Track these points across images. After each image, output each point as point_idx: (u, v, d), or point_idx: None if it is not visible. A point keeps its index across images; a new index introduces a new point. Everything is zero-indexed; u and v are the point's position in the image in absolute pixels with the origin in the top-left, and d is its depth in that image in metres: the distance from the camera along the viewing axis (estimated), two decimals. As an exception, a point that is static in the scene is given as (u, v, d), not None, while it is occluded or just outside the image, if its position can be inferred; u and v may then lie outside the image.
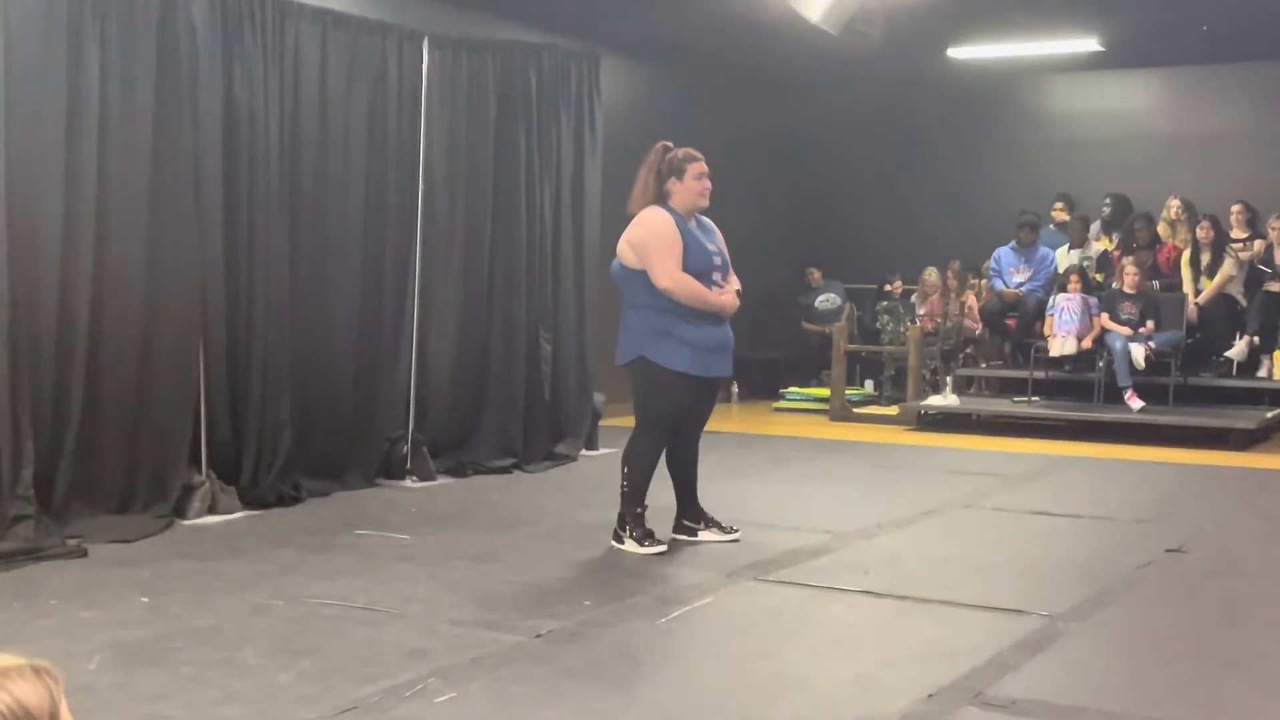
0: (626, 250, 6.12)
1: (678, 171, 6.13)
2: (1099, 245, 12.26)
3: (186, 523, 6.70)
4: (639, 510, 6.20)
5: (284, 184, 7.43)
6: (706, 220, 6.31)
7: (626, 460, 6.21)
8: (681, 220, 6.10)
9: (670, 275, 5.97)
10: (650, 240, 6.03)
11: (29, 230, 6.20)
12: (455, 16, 9.41)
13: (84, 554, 5.90)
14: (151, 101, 6.71)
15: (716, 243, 6.27)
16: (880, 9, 11.71)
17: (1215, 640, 4.90)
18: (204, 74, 6.93)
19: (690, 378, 6.09)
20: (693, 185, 6.12)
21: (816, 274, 13.82)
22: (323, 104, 7.66)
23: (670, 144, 6.25)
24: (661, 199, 6.14)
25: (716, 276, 6.15)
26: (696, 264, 6.06)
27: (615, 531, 6.24)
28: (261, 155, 7.27)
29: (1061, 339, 11.14)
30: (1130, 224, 12.06)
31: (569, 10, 10.25)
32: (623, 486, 6.20)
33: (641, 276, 6.05)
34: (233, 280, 7.15)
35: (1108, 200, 12.64)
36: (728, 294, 6.15)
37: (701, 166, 6.16)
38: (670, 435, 6.24)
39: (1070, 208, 12.82)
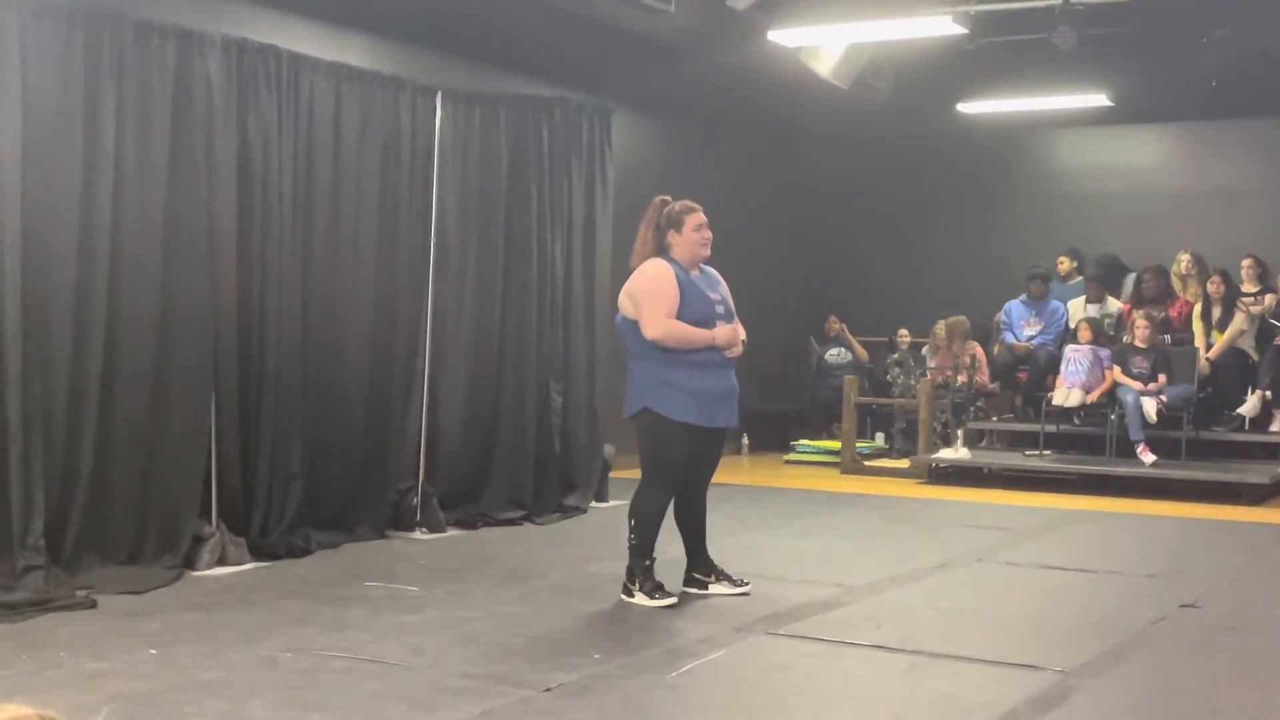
0: (626, 301, 6.15)
1: (676, 224, 6.16)
2: (1115, 304, 12.23)
3: (196, 574, 6.69)
4: (647, 563, 6.17)
5: (297, 236, 7.47)
6: (710, 270, 6.32)
7: (633, 513, 6.19)
8: (683, 270, 6.12)
9: (656, 324, 5.98)
10: (644, 290, 6.05)
11: (43, 279, 6.24)
12: (468, 71, 9.49)
13: (93, 605, 5.89)
14: (167, 153, 6.77)
15: (720, 291, 6.28)
16: (890, 64, 11.80)
17: (1230, 697, 4.85)
18: (219, 126, 6.99)
19: (695, 428, 6.08)
20: (692, 236, 6.15)
21: (836, 323, 13.84)
22: (336, 157, 7.71)
23: (668, 198, 6.28)
24: (662, 252, 6.17)
25: (720, 325, 6.16)
26: (697, 312, 6.07)
27: (624, 584, 6.22)
28: (275, 207, 7.32)
29: (1067, 389, 11.11)
30: (1140, 276, 12.07)
31: (581, 65, 10.32)
32: (630, 539, 6.18)
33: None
34: (245, 332, 7.18)
35: (1096, 261, 12.66)
36: (722, 329, 6.10)
37: (699, 218, 6.18)
38: (677, 487, 6.22)
39: (1077, 261, 12.81)
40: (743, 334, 6.23)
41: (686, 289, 6.07)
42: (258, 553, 7.07)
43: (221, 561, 6.88)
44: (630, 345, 6.18)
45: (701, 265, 6.25)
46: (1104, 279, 12.41)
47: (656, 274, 6.08)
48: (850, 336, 13.80)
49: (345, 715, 4.33)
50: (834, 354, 13.71)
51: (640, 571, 6.15)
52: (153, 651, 5.11)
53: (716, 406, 6.13)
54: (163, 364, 6.77)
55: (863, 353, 13.75)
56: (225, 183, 7.04)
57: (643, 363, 6.11)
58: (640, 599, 6.11)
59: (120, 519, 6.60)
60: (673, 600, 6.11)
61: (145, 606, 5.93)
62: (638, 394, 6.13)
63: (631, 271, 6.22)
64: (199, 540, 6.84)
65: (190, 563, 6.76)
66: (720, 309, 6.19)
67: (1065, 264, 12.79)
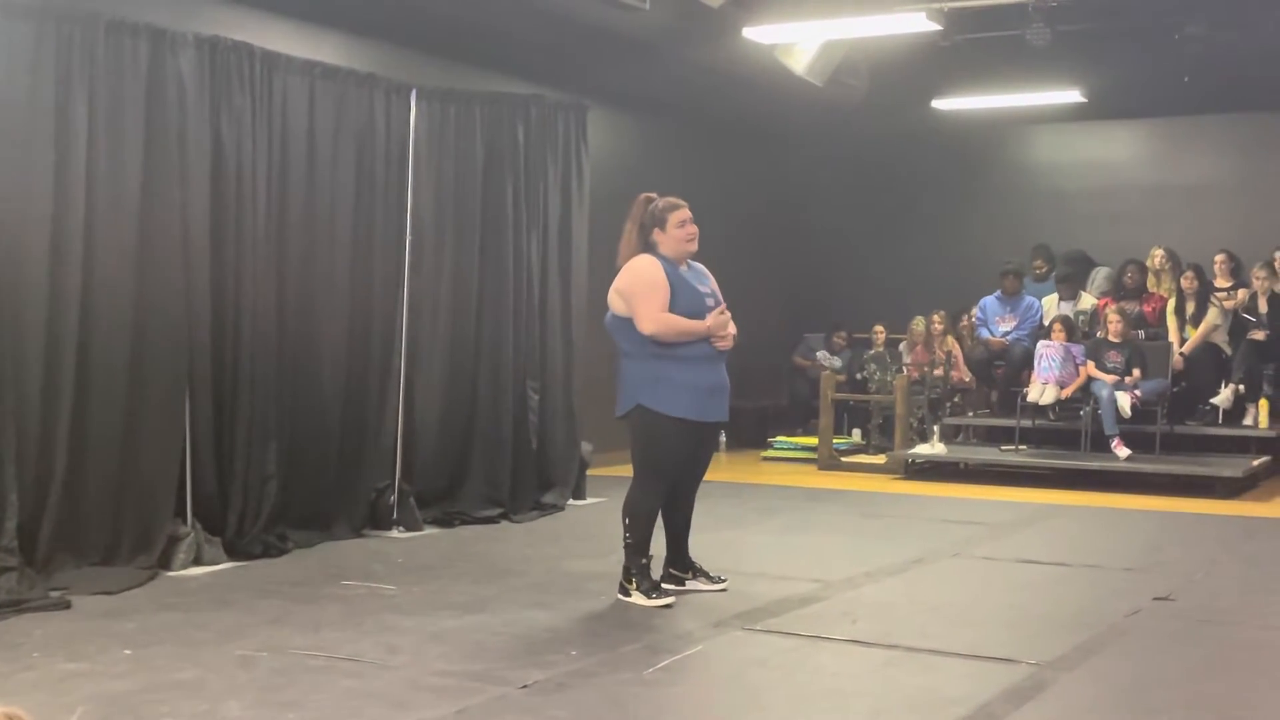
0: (616, 299, 6.13)
1: (660, 222, 6.15)
2: (1088, 300, 12.28)
3: (171, 574, 6.67)
4: (644, 561, 6.14)
5: (271, 235, 7.45)
6: (698, 265, 6.32)
7: (627, 512, 6.16)
8: (671, 266, 6.12)
9: (651, 319, 5.98)
10: (634, 286, 6.05)
11: (14, 279, 6.22)
12: (443, 69, 9.47)
13: (68, 606, 5.86)
14: (139, 152, 6.74)
15: (709, 285, 6.28)
16: (864, 61, 11.84)
17: (1204, 689, 4.88)
18: (192, 125, 6.97)
19: (688, 423, 6.06)
20: (676, 234, 6.15)
21: (843, 338, 13.83)
22: (310, 155, 7.69)
23: (653, 195, 6.27)
24: (648, 249, 6.17)
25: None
26: (688, 306, 6.06)
27: (621, 584, 6.19)
28: (249, 206, 7.29)
29: (1041, 386, 11.15)
30: (1124, 268, 12.13)
31: (556, 62, 10.31)
32: (625, 539, 6.15)
33: (632, 324, 6.06)
34: (219, 331, 7.16)
35: (1064, 258, 12.70)
36: (713, 317, 6.07)
37: (684, 214, 6.17)
38: (670, 483, 6.21)
39: (1049, 261, 12.83)
40: (733, 328, 6.21)
41: (675, 283, 6.07)
42: (233, 552, 7.05)
43: (197, 561, 6.85)
44: (622, 343, 6.16)
45: (689, 261, 6.25)
46: (1073, 276, 12.45)
47: (644, 270, 6.07)
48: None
49: (322, 715, 4.32)
50: (825, 359, 13.73)
51: (637, 570, 6.13)
52: (127, 652, 5.09)
53: (709, 400, 6.12)
54: (137, 363, 6.74)
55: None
56: (198, 182, 7.01)
57: (635, 360, 6.10)
58: (638, 598, 6.08)
59: (94, 519, 6.57)
60: (671, 600, 6.06)
61: (120, 607, 5.91)
62: (630, 392, 6.11)
63: (618, 269, 6.21)
64: (174, 540, 6.81)
65: (165, 563, 6.74)
66: (710, 301, 6.19)
67: (1042, 267, 12.82)
